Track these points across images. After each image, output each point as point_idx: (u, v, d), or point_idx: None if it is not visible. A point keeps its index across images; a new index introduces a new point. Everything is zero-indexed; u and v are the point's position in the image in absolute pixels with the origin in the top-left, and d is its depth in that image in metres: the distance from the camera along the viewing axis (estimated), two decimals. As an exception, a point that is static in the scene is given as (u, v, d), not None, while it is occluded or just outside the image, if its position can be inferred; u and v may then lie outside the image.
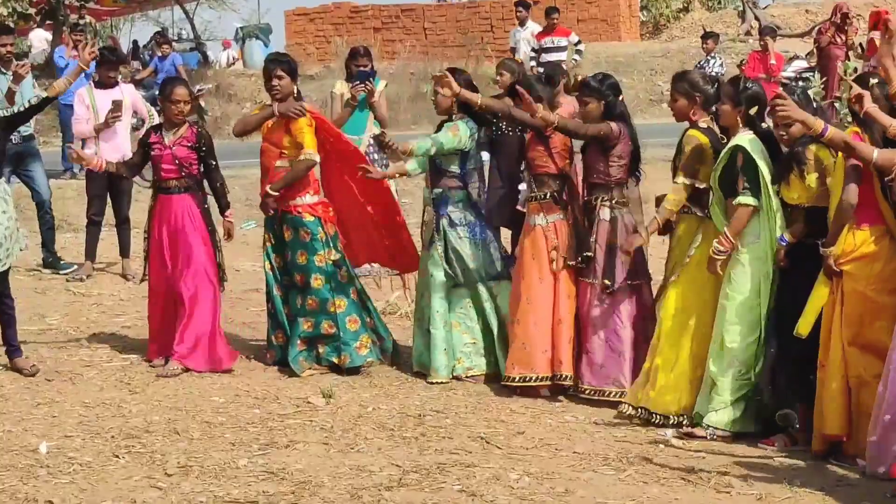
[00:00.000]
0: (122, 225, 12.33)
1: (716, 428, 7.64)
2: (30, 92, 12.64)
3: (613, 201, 8.39)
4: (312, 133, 8.87)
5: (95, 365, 9.17)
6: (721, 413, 7.65)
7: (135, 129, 13.15)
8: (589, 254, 8.39)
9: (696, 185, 7.90)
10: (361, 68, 11.26)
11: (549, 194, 8.58)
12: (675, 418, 7.85)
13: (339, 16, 31.00)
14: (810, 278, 7.21)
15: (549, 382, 8.55)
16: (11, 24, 24.32)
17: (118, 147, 12.06)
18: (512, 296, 8.74)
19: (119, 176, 12.02)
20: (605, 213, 8.40)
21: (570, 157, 8.69)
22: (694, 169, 7.89)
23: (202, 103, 24.07)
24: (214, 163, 9.17)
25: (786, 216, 7.50)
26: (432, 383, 8.81)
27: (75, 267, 12.47)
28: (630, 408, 7.99)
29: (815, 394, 7.26)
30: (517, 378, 8.55)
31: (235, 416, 7.92)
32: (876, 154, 6.68)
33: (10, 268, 8.70)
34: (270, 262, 9.13)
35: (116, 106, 11.77)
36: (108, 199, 12.28)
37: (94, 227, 12.35)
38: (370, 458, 7.13)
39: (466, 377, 8.92)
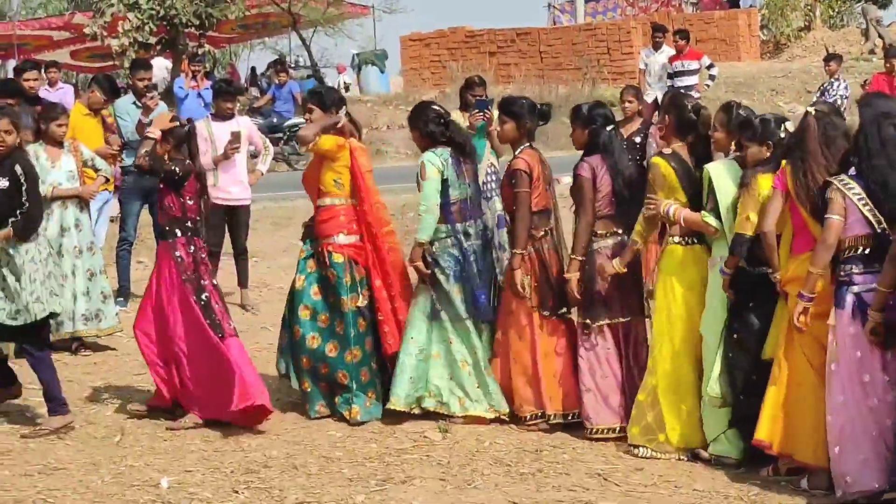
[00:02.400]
0: (241, 255, 12.49)
1: (718, 456, 7.70)
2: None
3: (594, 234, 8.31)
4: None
5: (215, 397, 9.28)
6: (718, 442, 7.70)
7: (252, 156, 13.35)
8: (563, 310, 8.47)
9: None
10: (478, 98, 11.32)
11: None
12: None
13: (454, 40, 31.14)
14: (760, 305, 7.45)
15: (540, 420, 8.47)
16: (133, 54, 24.94)
17: (236, 177, 12.25)
18: (498, 331, 8.65)
19: (237, 207, 12.27)
20: None
21: (547, 194, 8.60)
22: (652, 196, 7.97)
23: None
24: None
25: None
26: (392, 410, 8.60)
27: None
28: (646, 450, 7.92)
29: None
30: (528, 417, 8.49)
31: (352, 451, 7.98)
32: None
33: (27, 323, 8.27)
34: (308, 279, 8.88)
35: (235, 137, 11.95)
36: (227, 230, 12.44)
37: (212, 257, 12.47)
38: (487, 494, 7.14)
39: (434, 412, 8.62)
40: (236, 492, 7.18)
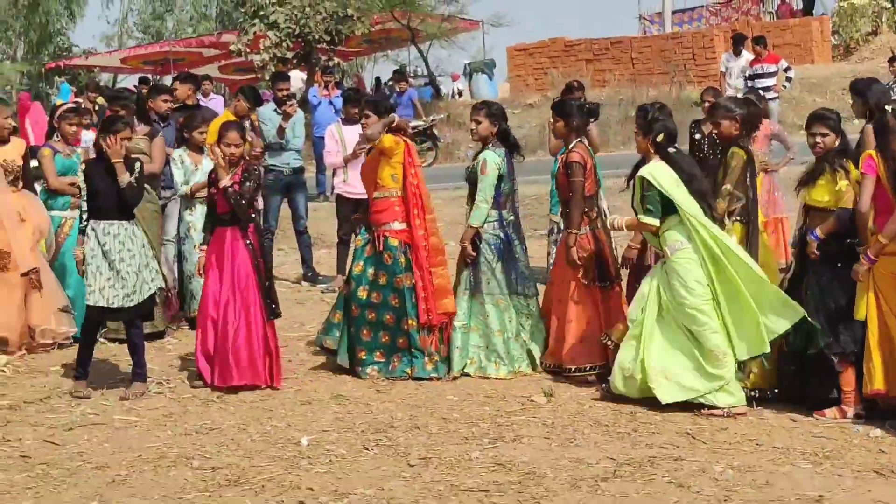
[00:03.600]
0: (368, 243, 12.59)
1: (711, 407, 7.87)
2: (301, 128, 13.11)
3: None
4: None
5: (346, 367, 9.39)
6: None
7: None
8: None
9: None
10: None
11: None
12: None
13: (555, 50, 30.95)
14: (838, 272, 7.62)
15: (588, 373, 8.75)
16: (273, 68, 25.22)
17: (364, 174, 12.37)
18: (554, 297, 8.93)
19: (364, 200, 12.35)
20: None
21: (593, 182, 8.94)
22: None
23: (435, 132, 24.47)
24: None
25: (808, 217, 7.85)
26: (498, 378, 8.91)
27: (330, 283, 12.85)
28: None
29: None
30: (573, 369, 8.74)
31: (468, 413, 8.03)
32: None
33: (137, 304, 8.59)
34: (366, 264, 9.05)
35: (362, 139, 12.04)
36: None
37: (343, 245, 12.65)
38: (587, 451, 7.15)
39: (476, 376, 8.98)
40: (367, 448, 7.27)
